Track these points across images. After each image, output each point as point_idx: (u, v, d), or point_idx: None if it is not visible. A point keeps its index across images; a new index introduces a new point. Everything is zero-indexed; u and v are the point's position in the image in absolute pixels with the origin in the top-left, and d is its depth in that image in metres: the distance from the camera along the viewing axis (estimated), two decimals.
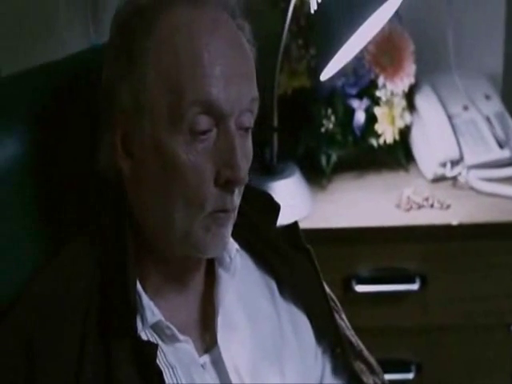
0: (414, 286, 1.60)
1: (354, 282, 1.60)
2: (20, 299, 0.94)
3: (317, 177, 1.70)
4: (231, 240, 1.03)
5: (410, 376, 1.68)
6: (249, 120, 0.94)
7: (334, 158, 1.66)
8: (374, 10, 1.29)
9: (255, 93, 0.95)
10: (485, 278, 1.61)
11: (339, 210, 1.63)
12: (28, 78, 1.09)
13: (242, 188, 0.97)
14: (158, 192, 0.93)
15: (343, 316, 1.18)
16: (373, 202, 1.64)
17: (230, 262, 1.01)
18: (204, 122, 0.90)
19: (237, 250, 1.03)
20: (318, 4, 1.32)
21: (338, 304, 1.18)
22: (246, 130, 0.95)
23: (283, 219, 1.57)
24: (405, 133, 1.72)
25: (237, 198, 0.95)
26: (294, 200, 1.60)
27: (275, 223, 1.11)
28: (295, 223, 1.12)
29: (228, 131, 0.92)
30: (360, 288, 1.61)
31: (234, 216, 0.96)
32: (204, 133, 0.91)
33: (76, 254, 0.97)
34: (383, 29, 1.61)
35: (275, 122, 1.54)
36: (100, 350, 0.91)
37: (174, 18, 0.91)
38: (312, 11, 1.34)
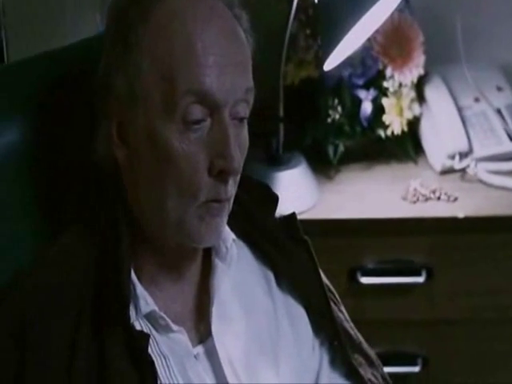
0: (420, 279, 1.59)
1: (359, 274, 1.60)
2: (15, 286, 0.94)
3: (324, 167, 1.70)
4: (228, 230, 1.02)
5: (416, 369, 1.67)
6: (244, 110, 0.94)
7: (341, 148, 1.65)
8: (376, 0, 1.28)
9: (250, 83, 0.94)
10: (492, 271, 1.60)
11: (345, 201, 1.63)
12: (30, 66, 1.09)
13: (238, 178, 0.96)
14: (152, 181, 0.93)
15: (342, 308, 1.17)
16: (379, 194, 1.64)
17: (226, 252, 1.01)
18: (197, 111, 0.90)
19: (233, 240, 1.02)
20: None
21: (337, 296, 1.17)
22: (241, 120, 0.94)
23: (288, 209, 1.58)
24: (414, 124, 1.71)
25: (231, 188, 0.94)
26: (299, 190, 1.60)
27: (273, 214, 1.10)
28: (293, 214, 1.11)
29: (222, 121, 0.91)
30: (365, 280, 1.60)
31: (228, 206, 0.96)
32: (197, 122, 0.90)
33: (72, 243, 0.97)
34: (392, 19, 1.61)
35: (281, 112, 1.54)
36: (93, 338, 0.90)
37: (169, 7, 0.91)
38: (316, 0, 1.33)
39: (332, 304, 1.13)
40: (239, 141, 0.94)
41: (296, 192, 1.60)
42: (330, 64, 1.42)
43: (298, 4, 1.40)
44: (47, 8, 1.60)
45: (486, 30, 1.78)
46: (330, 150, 1.65)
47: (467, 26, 1.67)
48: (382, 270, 1.61)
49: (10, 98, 1.04)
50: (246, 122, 0.95)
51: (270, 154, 1.60)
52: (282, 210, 1.56)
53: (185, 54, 0.89)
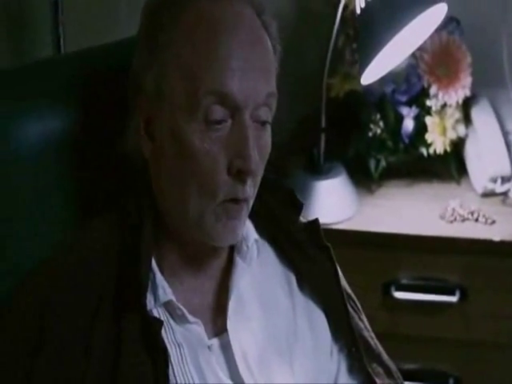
0: (454, 298, 1.60)
1: (393, 288, 1.62)
2: (43, 265, 1.00)
3: (366, 181, 1.72)
4: (251, 229, 1.06)
5: None
6: (265, 114, 0.97)
7: (382, 163, 1.67)
8: (414, 16, 1.30)
9: (272, 88, 0.97)
10: None
11: (384, 215, 1.65)
12: (74, 60, 1.16)
13: (258, 180, 0.99)
14: (174, 176, 0.97)
15: (363, 317, 1.18)
16: (418, 211, 1.65)
17: (246, 251, 1.04)
18: (218, 112, 0.94)
19: (256, 241, 1.05)
20: (363, 8, 1.34)
21: (359, 304, 1.19)
22: (263, 123, 0.97)
23: (326, 218, 1.61)
24: (458, 145, 1.71)
25: (249, 189, 0.97)
26: (338, 200, 1.63)
27: (297, 219, 1.12)
28: (316, 220, 1.14)
29: (242, 123, 0.94)
30: (399, 294, 1.62)
31: (247, 207, 0.99)
32: (218, 122, 0.94)
33: (99, 230, 1.02)
34: (440, 39, 1.63)
35: (323, 123, 1.57)
36: (112, 322, 0.94)
37: (197, 11, 0.95)
38: (357, 14, 1.36)
39: (352, 312, 1.15)
40: (260, 143, 0.97)
41: (334, 202, 1.63)
42: (367, 78, 1.44)
43: (345, 18, 1.44)
44: (102, 6, 1.67)
45: None
46: (372, 164, 1.67)
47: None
48: (417, 287, 1.62)
49: (55, 88, 1.10)
50: (268, 126, 0.98)
51: (311, 163, 1.63)
52: (320, 217, 1.61)
53: (209, 57, 0.93)
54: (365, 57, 1.37)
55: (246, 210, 0.99)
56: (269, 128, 0.99)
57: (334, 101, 1.65)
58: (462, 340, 1.65)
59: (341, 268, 1.51)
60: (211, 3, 0.95)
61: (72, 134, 1.08)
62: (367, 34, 1.36)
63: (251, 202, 1.00)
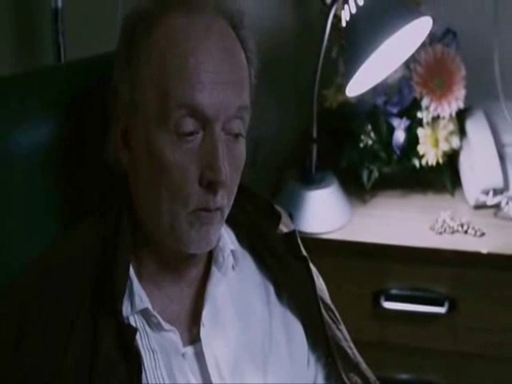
0: (442, 310, 1.61)
1: (382, 298, 1.63)
2: (27, 269, 1.03)
3: (359, 191, 1.74)
4: (227, 240, 1.08)
5: None
6: (238, 126, 0.99)
7: (375, 174, 1.69)
8: (397, 29, 1.31)
9: (244, 101, 0.99)
10: None
11: (374, 226, 1.67)
12: (64, 70, 1.20)
13: (233, 190, 1.02)
14: (148, 185, 1.00)
15: (341, 327, 1.20)
16: (409, 222, 1.67)
17: (222, 261, 1.06)
18: (189, 124, 0.96)
19: (232, 251, 1.08)
20: (348, 20, 1.36)
21: (337, 314, 1.21)
22: (236, 135, 1.00)
23: (317, 228, 1.64)
24: (452, 156, 1.73)
25: (221, 199, 0.99)
26: (329, 210, 1.65)
27: (276, 229, 1.15)
28: (294, 231, 1.16)
29: (212, 135, 0.97)
30: (388, 305, 1.63)
31: (221, 216, 1.01)
32: (190, 134, 0.97)
33: (82, 235, 1.05)
34: (434, 51, 1.64)
35: (314, 134, 1.59)
36: (90, 326, 0.97)
37: (168, 25, 0.98)
38: (343, 25, 1.38)
39: (330, 322, 1.17)
40: (232, 155, 0.99)
41: (326, 211, 1.65)
42: (352, 90, 1.46)
43: (339, 30, 1.46)
44: (101, 15, 1.70)
45: None
46: (364, 175, 1.69)
47: (506, 63, 1.69)
48: (406, 297, 1.63)
49: (47, 96, 1.13)
50: (241, 138, 1.01)
51: (303, 174, 1.66)
52: (311, 227, 1.63)
53: (178, 70, 0.96)
54: (349, 68, 1.39)
55: (220, 217, 1.01)
56: (242, 140, 1.01)
57: (327, 111, 1.67)
58: (450, 351, 1.66)
59: (331, 277, 1.54)
60: (183, 17, 0.98)
61: (62, 140, 1.11)
62: (352, 46, 1.38)
63: (226, 211, 1.02)
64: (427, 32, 1.48)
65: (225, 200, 1.00)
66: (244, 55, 1.01)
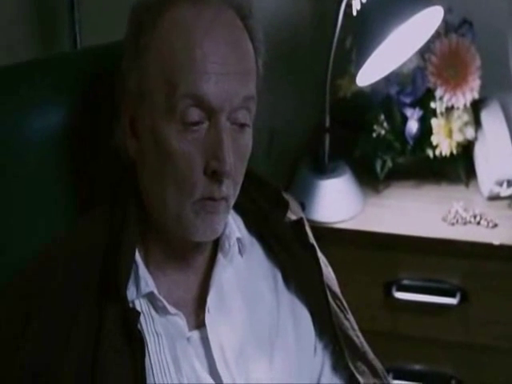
0: (454, 301, 1.62)
1: (394, 288, 1.65)
2: (35, 256, 1.05)
3: (373, 181, 1.75)
4: (234, 228, 1.10)
5: None
6: (244, 117, 1.00)
7: (388, 164, 1.69)
8: (407, 18, 1.32)
9: (250, 92, 1.00)
10: None
11: (387, 216, 1.67)
12: (88, 55, 1.22)
13: (239, 179, 1.03)
14: (154, 174, 1.01)
15: (349, 316, 1.21)
16: (422, 212, 1.68)
17: (228, 249, 1.08)
18: (195, 114, 0.98)
19: (238, 239, 1.09)
20: (359, 9, 1.37)
21: (345, 303, 1.22)
22: (242, 126, 1.01)
23: (330, 217, 1.65)
24: (468, 147, 1.74)
25: (227, 189, 1.00)
26: (341, 200, 1.67)
27: (284, 217, 1.16)
28: (301, 219, 1.17)
29: (217, 125, 0.98)
30: (400, 295, 1.65)
31: (226, 205, 1.03)
32: (195, 124, 0.98)
33: (92, 222, 1.07)
34: (450, 41, 1.65)
35: (327, 123, 1.60)
36: (95, 309, 0.99)
37: (175, 15, 0.99)
38: (354, 14, 1.39)
39: (338, 310, 1.18)
40: (238, 145, 1.00)
41: (338, 201, 1.66)
42: (362, 79, 1.47)
43: (354, 19, 1.46)
44: (117, 3, 1.71)
45: None
46: (378, 165, 1.70)
47: None
48: (418, 288, 1.64)
49: (61, 84, 1.16)
50: (247, 128, 1.02)
51: (315, 163, 1.67)
52: (323, 216, 1.64)
53: (185, 60, 0.97)
54: (360, 57, 1.40)
55: (226, 206, 1.03)
56: (248, 130, 1.03)
57: (341, 101, 1.68)
58: (462, 342, 1.67)
59: (343, 266, 1.55)
60: (190, 7, 0.99)
61: (75, 127, 1.13)
62: (362, 35, 1.39)
63: (232, 201, 1.04)
64: (439, 22, 1.48)
65: (230, 190, 1.01)
66: (251, 45, 1.02)
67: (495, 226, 1.61)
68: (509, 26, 1.62)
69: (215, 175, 0.99)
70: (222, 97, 0.98)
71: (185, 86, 0.97)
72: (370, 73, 1.47)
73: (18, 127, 1.12)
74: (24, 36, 1.67)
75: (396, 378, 1.71)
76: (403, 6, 1.35)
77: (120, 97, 1.03)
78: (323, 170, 1.66)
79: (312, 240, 1.19)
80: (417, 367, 1.73)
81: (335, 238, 1.65)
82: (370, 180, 1.74)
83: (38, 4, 1.68)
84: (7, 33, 1.59)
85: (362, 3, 1.38)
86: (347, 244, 1.66)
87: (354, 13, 1.39)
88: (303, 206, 1.62)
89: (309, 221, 1.59)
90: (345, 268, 1.63)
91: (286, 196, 1.21)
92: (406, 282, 1.64)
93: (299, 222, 1.17)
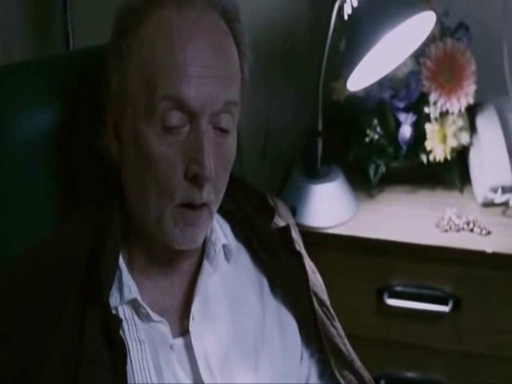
0: (446, 308, 1.61)
1: (386, 295, 1.64)
2: (18, 258, 1.06)
3: (367, 185, 1.74)
4: (219, 234, 1.10)
5: None
6: (226, 121, 1.01)
7: (382, 168, 1.69)
8: (398, 23, 1.32)
9: (232, 96, 1.01)
10: None
11: (380, 221, 1.67)
12: (80, 56, 1.23)
13: (221, 185, 1.03)
14: (136, 177, 1.02)
15: (336, 323, 1.22)
16: (415, 218, 1.67)
17: (214, 256, 1.09)
18: (175, 117, 0.98)
19: (223, 246, 1.10)
20: (350, 14, 1.37)
21: (332, 310, 1.22)
22: (224, 130, 1.01)
23: (322, 222, 1.65)
24: (462, 153, 1.73)
25: (208, 194, 1.01)
26: (333, 204, 1.66)
27: (270, 224, 1.16)
28: (287, 226, 1.18)
29: (198, 128, 0.99)
30: (391, 302, 1.64)
31: (208, 212, 1.03)
32: (175, 127, 0.99)
33: (78, 224, 1.08)
34: (445, 45, 1.65)
35: (320, 127, 1.60)
36: (77, 314, 1.00)
37: (158, 18, 1.00)
38: (346, 17, 1.39)
39: (324, 318, 1.19)
40: (219, 150, 1.01)
41: (330, 206, 1.66)
42: (354, 83, 1.47)
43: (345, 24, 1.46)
44: (110, 4, 1.72)
45: None
46: (371, 170, 1.69)
47: None
48: (410, 294, 1.64)
49: (51, 85, 1.16)
50: (230, 133, 1.02)
51: (308, 167, 1.67)
52: (315, 221, 1.64)
53: (166, 63, 0.98)
54: (350, 62, 1.40)
55: (208, 215, 1.03)
56: (231, 136, 1.03)
57: (335, 104, 1.68)
58: (454, 350, 1.67)
59: (335, 271, 1.56)
60: (173, 9, 1.00)
61: (66, 128, 1.14)
62: (352, 40, 1.39)
63: (214, 207, 1.04)
64: (431, 26, 1.48)
65: (211, 195, 1.02)
66: (236, 49, 1.03)
67: (488, 233, 1.61)
68: (504, 31, 1.62)
69: (196, 179, 0.99)
70: (202, 100, 0.98)
71: (165, 88, 0.98)
72: (361, 77, 1.47)
73: (6, 127, 1.13)
74: (17, 37, 1.68)
75: None
76: (395, 10, 1.35)
77: (104, 99, 1.04)
78: (316, 174, 1.66)
79: (298, 247, 1.19)
80: (409, 374, 1.73)
81: (327, 244, 1.65)
82: (363, 185, 1.74)
83: (31, 5, 1.69)
84: (0, 34, 1.60)
85: (352, 7, 1.38)
86: (339, 249, 1.65)
87: (346, 17, 1.39)
88: (295, 211, 1.63)
89: (301, 226, 1.63)
90: (337, 274, 1.65)
91: (275, 201, 1.22)
92: (398, 288, 1.64)
93: (286, 229, 1.17)
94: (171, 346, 1.05)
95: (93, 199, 1.10)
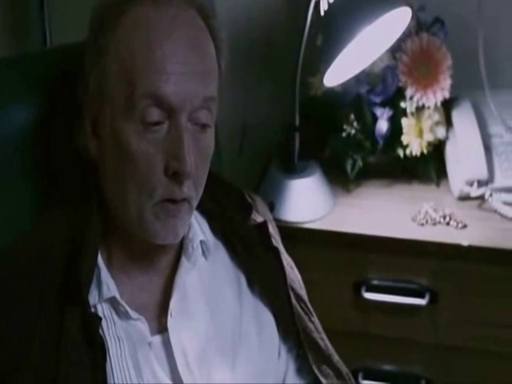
0: (423, 301, 1.63)
1: (363, 289, 1.66)
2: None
3: (344, 180, 1.75)
4: (197, 230, 1.11)
5: None
6: (205, 117, 1.02)
7: (359, 163, 1.70)
8: (374, 19, 1.34)
9: (211, 92, 1.02)
10: (497, 303, 1.62)
11: (358, 216, 1.68)
12: (56, 53, 1.23)
13: (200, 181, 1.04)
14: (115, 175, 1.03)
15: (313, 319, 1.23)
16: (392, 212, 1.68)
17: (191, 252, 1.10)
18: (155, 114, 0.99)
19: (201, 242, 1.11)
20: (326, 10, 1.38)
21: (310, 306, 1.24)
22: (203, 126, 1.02)
23: (299, 217, 1.66)
24: (439, 147, 1.75)
25: (188, 190, 1.02)
26: (311, 199, 1.67)
27: (247, 220, 1.17)
28: (264, 222, 1.19)
29: (178, 125, 0.99)
30: (369, 295, 1.66)
31: (189, 207, 1.04)
32: (155, 124, 0.99)
33: (53, 223, 1.08)
34: (420, 40, 1.66)
35: (297, 122, 1.61)
36: (56, 313, 1.00)
37: (135, 15, 1.00)
38: (322, 13, 1.40)
39: (302, 313, 1.20)
40: (199, 146, 1.02)
41: (308, 201, 1.67)
42: (331, 79, 1.48)
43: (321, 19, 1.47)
44: (86, 2, 1.72)
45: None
46: (348, 165, 1.70)
47: (491, 54, 1.70)
48: (387, 288, 1.66)
49: (27, 82, 1.16)
50: (209, 128, 1.03)
51: (285, 162, 1.68)
52: (293, 216, 1.65)
53: (144, 61, 0.98)
54: (327, 58, 1.41)
55: (188, 209, 1.04)
56: (210, 131, 1.04)
57: (312, 100, 1.69)
58: (431, 343, 1.69)
59: (312, 266, 1.57)
60: (151, 7, 1.01)
61: (43, 126, 1.14)
62: (328, 36, 1.40)
63: (194, 202, 1.05)
64: (407, 22, 1.49)
65: (191, 191, 1.03)
66: (213, 45, 1.04)
67: (465, 226, 1.62)
68: (479, 26, 1.63)
69: (176, 176, 1.00)
70: (181, 97, 0.99)
71: (144, 85, 0.98)
72: (338, 73, 1.48)
73: None
74: None
75: (365, 378, 1.73)
76: (371, 6, 1.36)
77: (82, 97, 1.04)
78: (293, 169, 1.67)
79: (276, 242, 1.21)
80: (386, 367, 1.75)
81: (305, 238, 1.66)
82: (340, 179, 1.75)
83: (7, 2, 1.68)
84: None
85: (329, 3, 1.39)
86: (317, 244, 1.66)
87: (322, 13, 1.40)
88: (272, 206, 1.64)
89: (278, 221, 1.64)
90: (314, 268, 1.65)
91: (253, 197, 1.23)
92: (375, 282, 1.65)
93: (263, 225, 1.18)
94: (149, 344, 1.05)
95: (70, 197, 1.11)
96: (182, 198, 1.02)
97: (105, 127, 1.02)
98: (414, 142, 1.68)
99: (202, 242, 1.11)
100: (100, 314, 1.03)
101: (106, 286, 1.04)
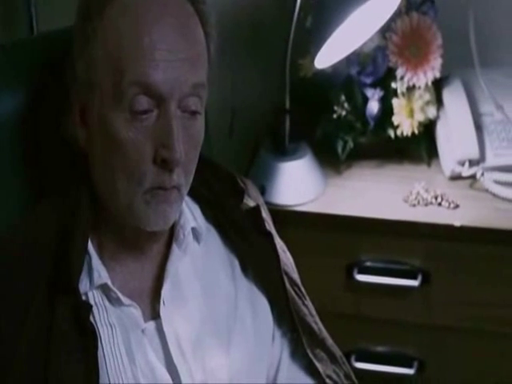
0: (415, 283, 1.64)
1: (356, 271, 1.66)
2: None
3: (335, 162, 1.75)
4: (189, 217, 1.12)
5: (412, 372, 1.73)
6: (194, 104, 1.01)
7: (350, 144, 1.70)
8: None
9: (200, 78, 1.01)
10: (489, 283, 1.63)
11: (348, 197, 1.68)
12: (44, 41, 1.22)
13: (190, 168, 1.04)
14: (104, 163, 1.02)
15: (307, 302, 1.24)
16: (383, 193, 1.69)
17: (183, 239, 1.10)
18: (143, 102, 0.99)
19: (192, 229, 1.11)
20: None
21: (303, 289, 1.24)
22: (193, 113, 1.02)
23: (291, 199, 1.66)
24: (429, 127, 1.75)
25: (178, 178, 1.02)
26: (302, 182, 1.67)
27: (240, 205, 1.18)
28: (257, 206, 1.19)
29: (167, 113, 0.99)
30: (361, 277, 1.66)
31: (179, 194, 1.04)
32: (144, 112, 0.99)
33: (43, 213, 1.08)
34: (411, 20, 1.66)
35: (287, 104, 1.61)
36: (47, 301, 1.01)
37: (123, 2, 1.00)
38: None
39: (296, 297, 1.21)
40: (189, 133, 1.02)
41: (299, 183, 1.67)
42: (323, 60, 1.48)
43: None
44: None
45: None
46: (339, 146, 1.70)
47: (481, 32, 1.69)
48: (379, 269, 1.66)
49: (14, 72, 1.16)
50: (198, 115, 1.03)
51: (275, 144, 1.68)
52: (284, 199, 1.66)
53: (133, 48, 0.98)
54: (318, 40, 1.41)
55: (178, 196, 1.04)
56: (199, 117, 1.04)
57: (303, 81, 1.68)
58: (424, 324, 1.70)
59: (304, 249, 1.57)
60: None
61: (29, 116, 1.14)
62: (320, 18, 1.39)
63: (184, 190, 1.05)
64: (398, 1, 1.48)
65: (181, 178, 1.03)
66: (202, 30, 1.03)
67: (456, 206, 1.63)
68: (470, 4, 1.63)
69: (165, 164, 1.00)
70: (170, 84, 0.98)
71: (132, 73, 0.98)
72: (329, 54, 1.48)
73: None
74: None
75: (358, 359, 1.74)
76: None
77: (70, 85, 1.04)
78: (284, 151, 1.67)
79: (269, 227, 1.21)
80: (379, 349, 1.76)
81: (296, 221, 1.66)
82: (331, 161, 1.75)
83: None
84: None
85: None
86: (308, 227, 1.67)
87: None
88: (264, 189, 1.64)
89: (269, 204, 1.64)
90: (306, 251, 1.65)
91: (245, 181, 1.23)
92: (367, 264, 1.66)
93: (255, 210, 1.18)
94: (143, 330, 1.06)
95: (59, 186, 1.10)
96: (171, 186, 1.02)
97: (93, 115, 1.02)
98: (404, 123, 1.68)
99: (193, 228, 1.11)
100: (91, 301, 1.04)
101: (97, 272, 1.04)
